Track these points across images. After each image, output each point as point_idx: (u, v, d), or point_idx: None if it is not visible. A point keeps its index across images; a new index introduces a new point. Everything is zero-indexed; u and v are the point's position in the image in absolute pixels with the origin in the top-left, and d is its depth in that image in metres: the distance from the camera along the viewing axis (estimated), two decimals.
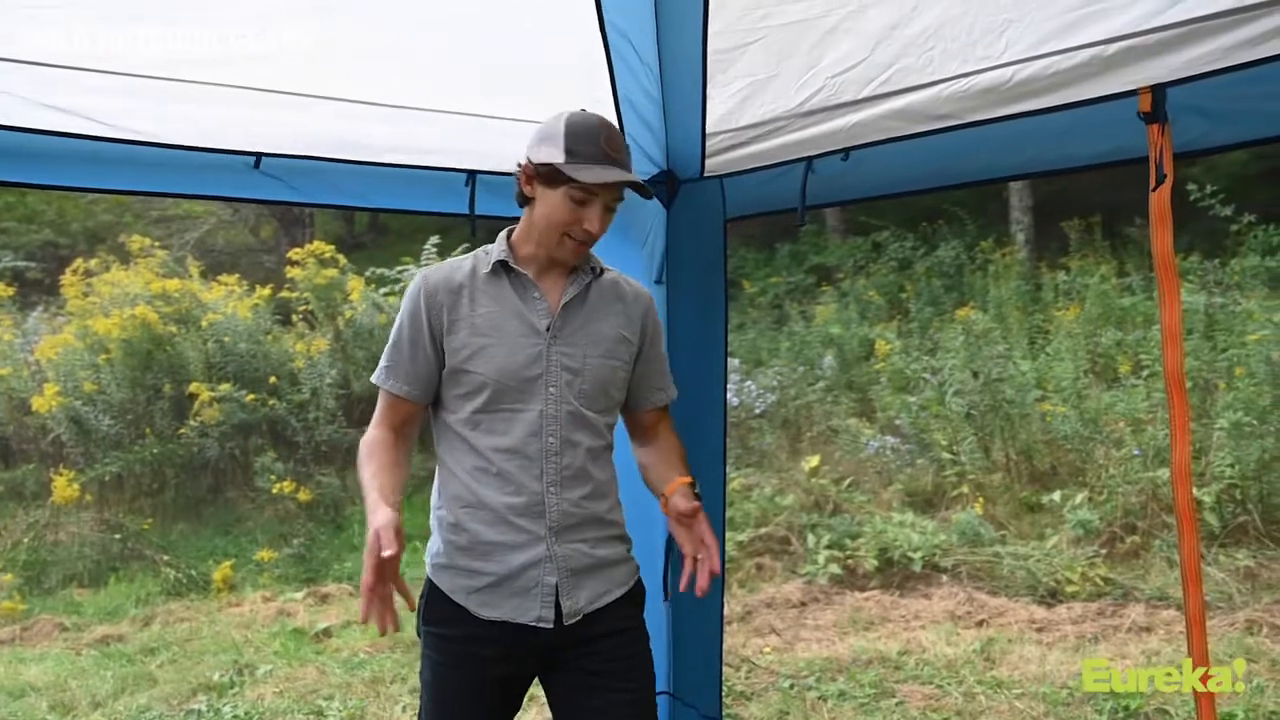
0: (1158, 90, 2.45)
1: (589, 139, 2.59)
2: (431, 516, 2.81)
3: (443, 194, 3.92)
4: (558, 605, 2.69)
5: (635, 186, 2.64)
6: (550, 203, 2.65)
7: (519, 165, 2.70)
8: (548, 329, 2.71)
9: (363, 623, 2.55)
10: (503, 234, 2.83)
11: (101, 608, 8.12)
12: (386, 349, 2.76)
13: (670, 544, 4.24)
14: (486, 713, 2.76)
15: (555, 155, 2.59)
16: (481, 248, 2.83)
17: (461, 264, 2.78)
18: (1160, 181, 2.43)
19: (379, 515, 2.31)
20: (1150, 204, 2.45)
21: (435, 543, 2.77)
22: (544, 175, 2.64)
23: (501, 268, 2.74)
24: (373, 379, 2.76)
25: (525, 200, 2.74)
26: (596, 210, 2.63)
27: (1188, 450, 2.45)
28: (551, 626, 2.68)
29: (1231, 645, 5.67)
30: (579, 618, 2.72)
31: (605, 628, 2.78)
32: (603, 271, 2.88)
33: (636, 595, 2.92)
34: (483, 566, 2.66)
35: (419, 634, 2.83)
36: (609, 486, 2.85)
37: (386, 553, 2.21)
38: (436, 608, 2.75)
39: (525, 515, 2.66)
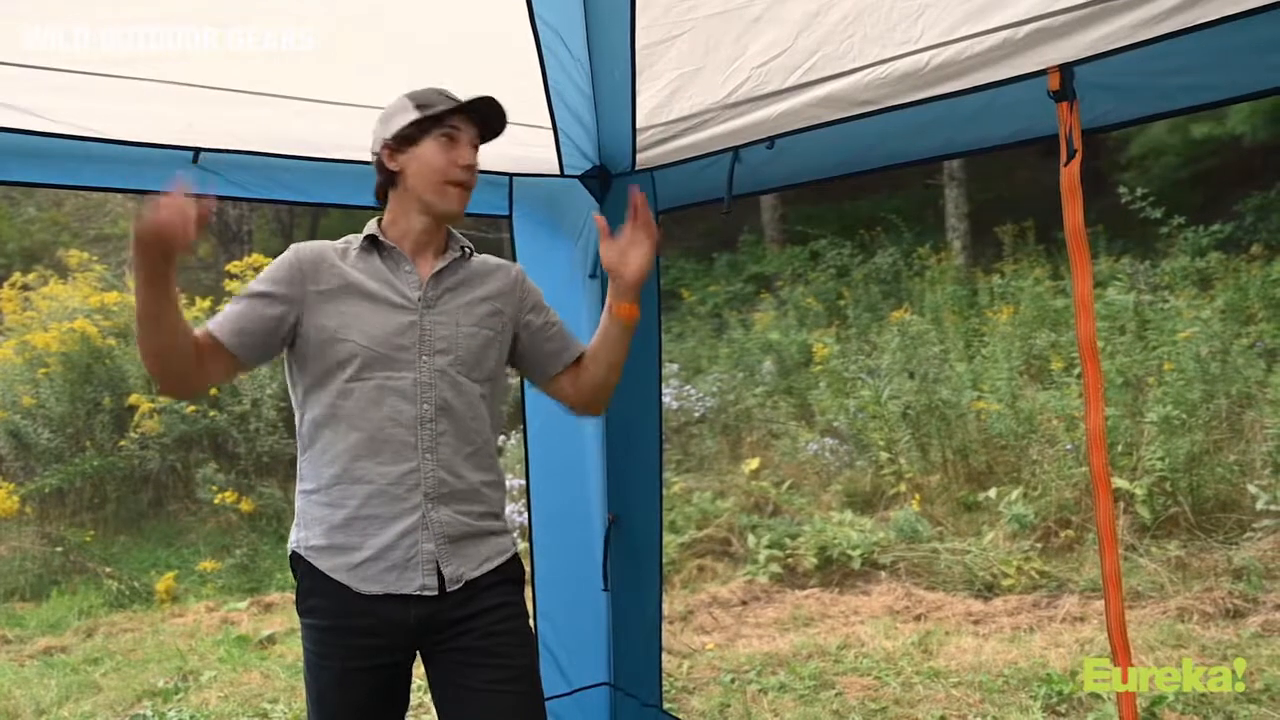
0: (1065, 69, 2.52)
1: (433, 94, 2.72)
2: (301, 501, 2.76)
3: None
4: (440, 574, 2.69)
5: (492, 104, 2.75)
6: (422, 157, 2.71)
7: (375, 153, 2.78)
8: (419, 299, 2.74)
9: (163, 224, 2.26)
10: (371, 221, 2.84)
11: (44, 620, 8.05)
12: (230, 303, 2.68)
13: (609, 536, 4.29)
14: (365, 702, 2.73)
15: (408, 117, 2.69)
16: (351, 235, 2.84)
17: (334, 244, 2.79)
18: (1071, 156, 2.51)
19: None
20: (1061, 178, 2.53)
21: (307, 527, 2.72)
22: (405, 138, 2.71)
23: (372, 244, 2.75)
24: (207, 322, 2.63)
25: (390, 180, 2.77)
26: (466, 147, 2.72)
27: (1102, 416, 2.52)
28: (435, 594, 2.67)
29: (1163, 632, 5.77)
30: (461, 584, 2.71)
31: (483, 604, 2.76)
32: (473, 252, 2.92)
33: (516, 571, 2.91)
34: (360, 541, 2.63)
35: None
36: (487, 460, 2.86)
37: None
38: (311, 596, 2.71)
39: (401, 484, 2.66)
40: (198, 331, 2.56)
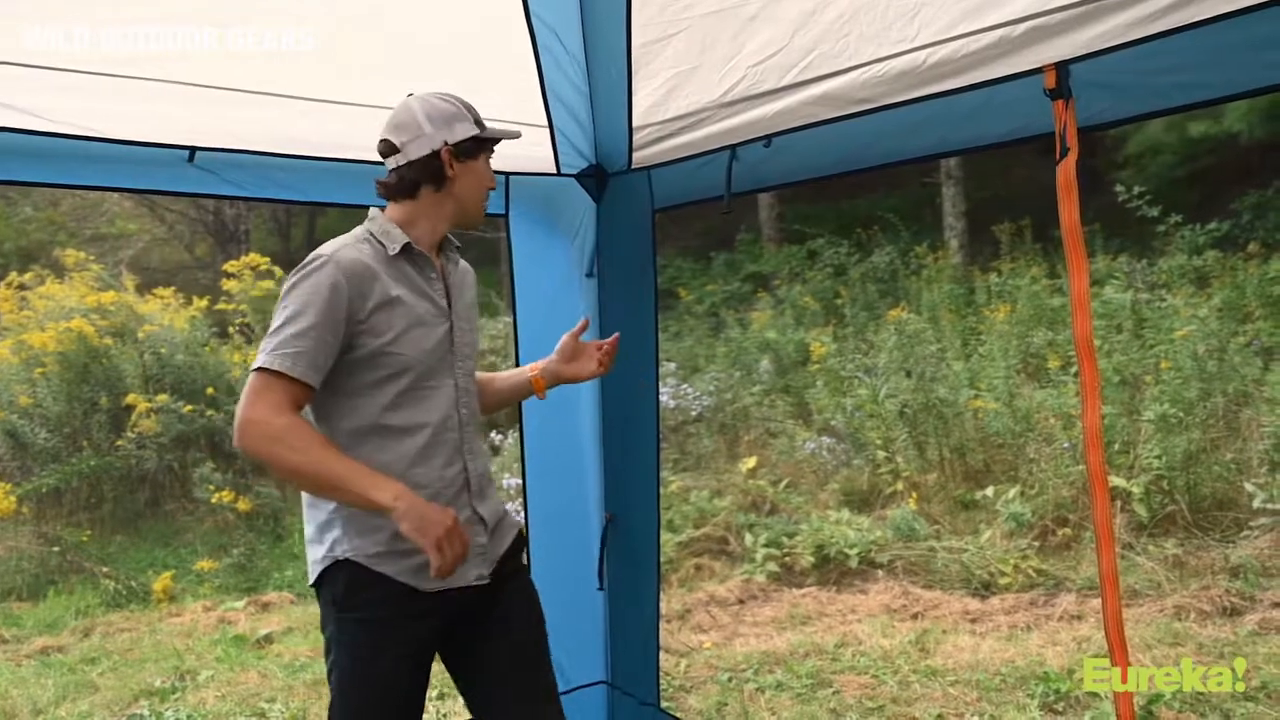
0: (1061, 67, 2.53)
1: (476, 111, 2.85)
2: (347, 510, 2.65)
3: None
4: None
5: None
6: (478, 171, 2.84)
7: (434, 150, 2.74)
8: (449, 307, 2.83)
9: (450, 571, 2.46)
10: (380, 217, 2.81)
11: (41, 620, 8.04)
12: (289, 334, 2.49)
13: (606, 535, 4.29)
14: (407, 684, 2.76)
15: (471, 129, 2.79)
16: (362, 229, 2.78)
17: (360, 246, 2.70)
18: (1065, 154, 2.52)
19: (439, 509, 2.45)
20: (1057, 176, 2.53)
21: (361, 535, 2.66)
22: (466, 150, 2.79)
23: (404, 251, 2.74)
24: (278, 366, 2.45)
25: (435, 182, 2.78)
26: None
27: (1098, 414, 2.53)
28: (489, 581, 2.83)
29: (1160, 630, 5.77)
30: (497, 561, 2.88)
31: (505, 570, 2.94)
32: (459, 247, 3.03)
33: (521, 541, 3.08)
34: None
35: (324, 628, 2.76)
36: (486, 453, 3.03)
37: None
38: (362, 593, 2.67)
39: (452, 486, 2.76)
40: (286, 387, 2.49)
